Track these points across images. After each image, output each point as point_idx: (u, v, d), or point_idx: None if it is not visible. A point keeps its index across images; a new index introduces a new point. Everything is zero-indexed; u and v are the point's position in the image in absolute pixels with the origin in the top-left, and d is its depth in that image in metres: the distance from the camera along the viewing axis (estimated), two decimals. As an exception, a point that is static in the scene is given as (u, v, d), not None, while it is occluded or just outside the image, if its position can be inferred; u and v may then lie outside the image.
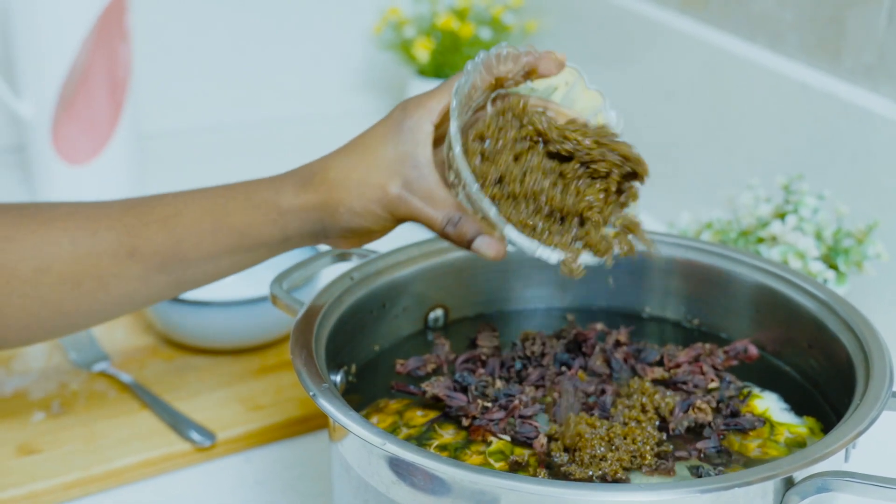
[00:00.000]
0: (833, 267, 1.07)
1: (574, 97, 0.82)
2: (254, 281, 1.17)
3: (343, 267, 0.91)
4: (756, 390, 0.86)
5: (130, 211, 0.84)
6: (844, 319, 0.83)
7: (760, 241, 1.10)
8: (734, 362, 0.89)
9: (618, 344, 0.90)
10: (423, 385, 0.83)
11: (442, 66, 1.65)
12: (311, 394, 0.72)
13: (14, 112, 1.44)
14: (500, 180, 0.77)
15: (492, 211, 0.74)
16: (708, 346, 0.89)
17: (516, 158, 0.78)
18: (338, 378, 0.85)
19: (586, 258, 0.77)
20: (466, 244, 0.78)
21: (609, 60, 1.53)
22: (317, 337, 0.80)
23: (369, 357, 0.89)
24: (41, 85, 1.41)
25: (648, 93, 1.46)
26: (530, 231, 0.77)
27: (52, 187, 1.46)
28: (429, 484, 0.69)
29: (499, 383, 0.84)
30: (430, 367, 0.88)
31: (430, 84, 1.65)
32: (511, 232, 0.75)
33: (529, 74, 0.80)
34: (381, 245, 0.94)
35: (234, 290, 1.17)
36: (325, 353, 0.80)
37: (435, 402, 0.83)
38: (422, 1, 1.69)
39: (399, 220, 0.80)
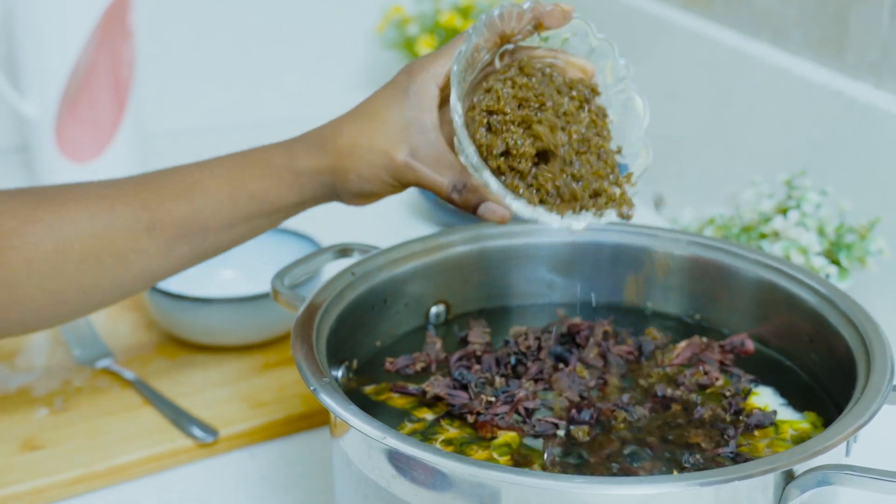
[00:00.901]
0: (835, 262, 1.07)
1: (582, 50, 0.81)
2: (256, 278, 1.17)
3: (344, 263, 0.91)
4: (751, 386, 0.86)
5: (146, 185, 0.84)
6: (846, 314, 0.83)
7: (763, 236, 1.10)
8: (730, 356, 0.89)
9: (606, 336, 0.90)
10: (424, 385, 0.83)
11: (445, 64, 1.65)
12: (311, 388, 0.73)
13: (18, 111, 1.44)
14: (506, 153, 0.77)
15: (493, 184, 0.74)
16: (705, 340, 0.89)
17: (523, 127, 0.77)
18: (339, 373, 0.85)
19: (586, 220, 0.77)
20: (472, 210, 0.79)
21: (612, 58, 1.53)
22: (318, 332, 0.80)
23: (370, 353, 0.89)
24: (45, 84, 1.41)
25: (652, 89, 1.45)
26: (534, 200, 0.76)
27: (57, 186, 1.46)
28: (429, 478, 0.69)
29: (498, 380, 0.84)
30: (419, 366, 0.88)
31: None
32: (513, 203, 0.75)
33: (536, 28, 0.79)
34: (383, 241, 0.94)
35: (236, 287, 1.18)
36: (326, 348, 0.80)
37: (437, 401, 0.83)
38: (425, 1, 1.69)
39: (406, 185, 0.81)
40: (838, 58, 1.18)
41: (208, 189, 0.83)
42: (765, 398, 0.84)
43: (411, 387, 0.84)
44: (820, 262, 1.05)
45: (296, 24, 1.76)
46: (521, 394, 0.81)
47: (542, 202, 0.77)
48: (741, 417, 0.81)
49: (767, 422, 0.80)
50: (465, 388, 0.83)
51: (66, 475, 0.93)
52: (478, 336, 0.91)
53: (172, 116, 1.70)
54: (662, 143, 1.44)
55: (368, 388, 0.85)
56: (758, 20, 1.29)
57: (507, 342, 0.89)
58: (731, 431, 0.78)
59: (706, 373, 0.85)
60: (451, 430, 0.79)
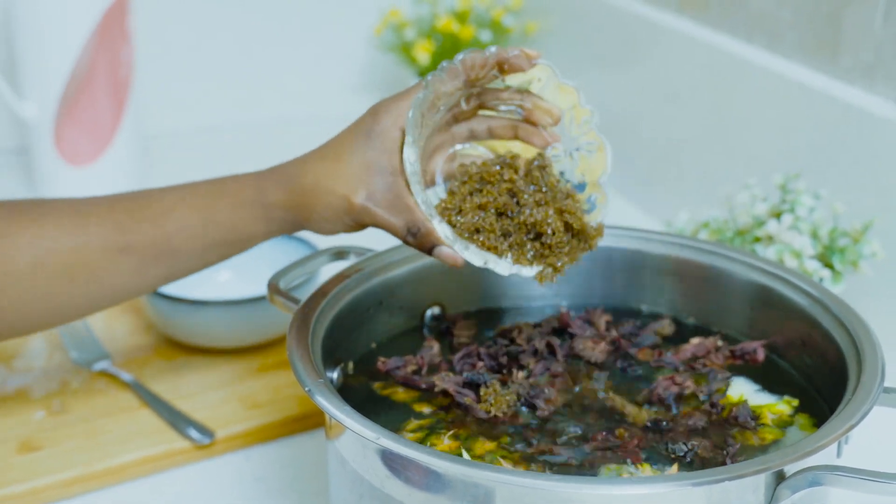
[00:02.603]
0: (829, 266, 1.08)
1: (548, 94, 0.84)
2: (253, 280, 1.18)
3: (340, 265, 0.92)
4: (725, 385, 0.86)
5: (120, 206, 0.87)
6: (837, 317, 0.84)
7: (757, 240, 1.10)
8: (739, 362, 0.89)
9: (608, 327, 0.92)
10: (434, 379, 0.84)
11: (442, 67, 1.66)
12: (306, 389, 0.73)
13: (17, 113, 1.44)
14: (460, 211, 0.82)
15: (443, 231, 0.80)
16: (719, 343, 0.90)
17: (476, 195, 0.83)
18: (334, 375, 0.85)
19: (534, 270, 0.82)
20: (427, 252, 0.81)
21: (608, 61, 1.54)
22: (313, 334, 0.81)
23: (366, 354, 0.90)
24: (44, 86, 1.42)
25: (647, 93, 1.46)
26: (485, 248, 0.81)
27: (55, 189, 1.46)
28: (423, 478, 0.69)
29: (520, 374, 0.84)
30: (409, 368, 0.88)
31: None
32: (463, 251, 0.80)
33: (501, 72, 0.82)
34: (378, 243, 0.94)
35: (233, 289, 1.18)
36: (321, 350, 0.80)
37: (443, 396, 0.84)
38: (422, 3, 1.70)
39: (365, 226, 0.84)
40: (832, 61, 1.19)
41: (181, 216, 0.86)
42: (739, 387, 0.85)
43: (416, 378, 0.85)
44: (813, 266, 1.05)
45: (294, 26, 1.77)
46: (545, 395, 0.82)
47: (491, 249, 0.81)
48: (728, 418, 0.82)
49: (747, 416, 0.82)
50: (475, 386, 0.83)
51: (63, 476, 0.94)
52: (463, 328, 0.92)
53: (171, 118, 1.70)
54: (657, 147, 1.45)
55: (376, 384, 0.86)
56: (752, 24, 1.29)
57: (496, 339, 0.90)
58: (731, 443, 0.79)
59: (678, 383, 0.85)
60: (446, 441, 0.80)
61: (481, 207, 0.81)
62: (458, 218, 0.81)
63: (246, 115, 1.76)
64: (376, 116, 0.82)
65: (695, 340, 0.91)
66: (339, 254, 0.94)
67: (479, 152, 0.86)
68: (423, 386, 0.85)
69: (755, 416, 0.82)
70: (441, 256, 0.81)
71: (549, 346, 0.89)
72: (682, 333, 0.93)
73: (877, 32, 1.12)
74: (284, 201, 0.84)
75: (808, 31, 1.21)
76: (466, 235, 0.81)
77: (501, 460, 0.76)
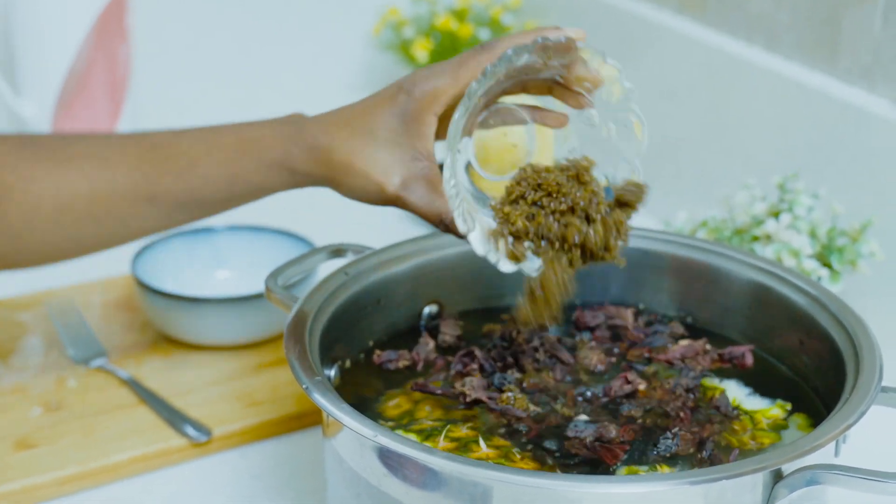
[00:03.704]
0: (827, 265, 1.08)
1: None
2: (251, 278, 1.18)
3: (338, 263, 0.91)
4: (715, 381, 0.86)
5: (148, 156, 0.87)
6: (835, 316, 0.83)
7: (755, 239, 1.10)
8: (727, 365, 0.89)
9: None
10: (465, 389, 0.83)
11: (441, 66, 1.66)
12: (303, 386, 0.73)
13: (15, 111, 1.44)
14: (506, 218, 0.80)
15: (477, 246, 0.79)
16: (708, 346, 0.89)
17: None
18: (331, 372, 0.85)
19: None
20: (460, 237, 0.80)
21: (607, 61, 1.53)
22: (311, 332, 0.81)
23: (363, 352, 0.90)
24: (42, 84, 1.41)
25: (646, 93, 1.46)
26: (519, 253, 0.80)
27: (52, 186, 1.46)
28: (420, 476, 0.69)
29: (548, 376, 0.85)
30: (401, 363, 0.88)
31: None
32: (491, 255, 0.79)
33: (546, 56, 0.79)
34: (377, 242, 0.94)
35: (230, 286, 1.18)
36: (318, 347, 0.80)
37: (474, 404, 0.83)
38: (421, 1, 1.70)
39: (393, 206, 0.83)
40: (831, 62, 1.19)
41: (206, 171, 0.86)
42: (731, 391, 0.85)
43: (431, 386, 0.85)
44: (812, 265, 1.05)
45: (292, 25, 1.76)
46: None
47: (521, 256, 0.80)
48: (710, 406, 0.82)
49: (727, 405, 0.82)
50: (500, 389, 0.83)
51: (60, 473, 0.94)
52: (449, 328, 0.92)
53: (169, 117, 1.70)
54: (656, 147, 1.44)
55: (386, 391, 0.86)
56: (751, 24, 1.29)
57: (494, 339, 0.90)
58: (708, 445, 0.79)
59: (629, 381, 0.85)
60: (464, 430, 0.80)
61: (531, 220, 0.79)
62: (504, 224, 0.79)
63: (244, 114, 1.75)
64: (411, 96, 0.80)
65: (683, 342, 0.90)
66: (337, 251, 0.94)
67: (508, 106, 0.83)
68: (439, 392, 0.84)
69: (734, 406, 0.82)
70: (473, 245, 0.79)
71: (552, 354, 0.88)
72: (694, 335, 0.93)
73: (875, 33, 1.13)
74: (312, 172, 0.84)
75: (807, 31, 1.21)
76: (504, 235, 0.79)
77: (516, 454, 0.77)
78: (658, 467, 0.75)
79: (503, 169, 0.83)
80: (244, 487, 0.95)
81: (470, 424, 0.80)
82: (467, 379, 0.84)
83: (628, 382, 0.85)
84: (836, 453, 0.75)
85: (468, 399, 0.82)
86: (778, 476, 0.68)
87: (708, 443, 0.77)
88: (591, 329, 0.93)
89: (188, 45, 1.71)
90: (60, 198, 0.85)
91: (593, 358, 0.88)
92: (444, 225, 0.80)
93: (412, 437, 0.79)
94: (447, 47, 1.65)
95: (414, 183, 0.80)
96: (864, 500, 0.75)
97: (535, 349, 0.88)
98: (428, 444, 0.78)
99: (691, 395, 0.83)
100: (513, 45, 0.78)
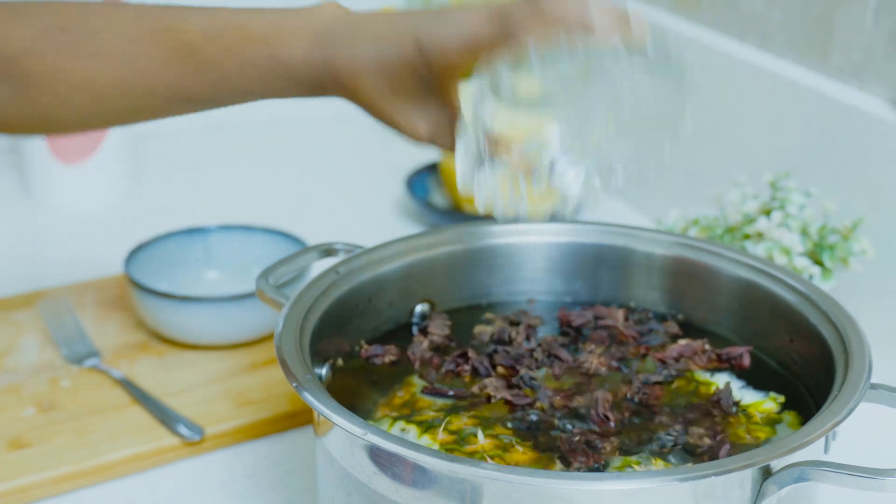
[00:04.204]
0: (818, 263, 1.08)
1: None
2: (243, 277, 1.18)
3: (329, 262, 0.92)
4: (706, 376, 0.87)
5: (178, 61, 0.86)
6: (825, 313, 0.84)
7: (747, 237, 1.10)
8: (725, 366, 0.89)
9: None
10: (488, 391, 0.82)
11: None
12: (294, 385, 0.73)
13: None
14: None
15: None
16: (707, 347, 0.89)
17: None
18: (323, 371, 0.85)
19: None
20: None
21: (600, 60, 1.54)
22: (302, 330, 0.81)
23: (355, 350, 0.90)
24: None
25: (639, 92, 1.46)
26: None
27: (48, 187, 1.46)
28: (410, 474, 0.69)
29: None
30: (387, 359, 0.88)
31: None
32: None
33: None
34: (369, 241, 0.95)
35: (223, 286, 1.18)
36: (310, 346, 0.80)
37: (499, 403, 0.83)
38: (415, 0, 1.70)
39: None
40: (823, 60, 1.19)
41: (242, 85, 0.86)
42: (723, 384, 0.85)
43: (450, 391, 0.85)
44: (803, 263, 1.06)
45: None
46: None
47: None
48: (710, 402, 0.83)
49: (730, 400, 0.82)
50: (519, 386, 0.83)
51: (53, 473, 0.94)
52: (438, 328, 0.92)
53: (163, 117, 1.70)
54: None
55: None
56: (744, 23, 1.29)
57: (478, 340, 0.91)
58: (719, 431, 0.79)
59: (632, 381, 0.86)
60: (464, 421, 0.80)
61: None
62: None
63: (239, 115, 1.75)
64: (430, 67, 0.79)
65: (682, 342, 0.91)
66: (328, 250, 0.94)
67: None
68: (451, 394, 0.84)
69: (736, 401, 0.83)
70: None
71: (549, 353, 0.88)
72: (688, 333, 0.93)
73: (867, 32, 1.13)
74: (340, 96, 0.84)
75: (799, 30, 1.21)
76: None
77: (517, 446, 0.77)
78: (653, 461, 0.76)
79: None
80: (237, 486, 0.95)
81: (471, 414, 0.80)
82: (488, 380, 0.84)
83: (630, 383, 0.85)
84: (826, 450, 0.75)
85: (493, 401, 0.82)
86: (767, 472, 0.68)
87: (720, 437, 0.78)
88: (577, 328, 0.92)
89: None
90: (94, 90, 0.85)
91: (593, 361, 0.88)
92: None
93: (413, 428, 0.79)
94: (441, 47, 1.65)
95: (441, 131, 0.81)
96: (853, 496, 0.76)
97: (532, 350, 0.88)
98: (427, 436, 0.78)
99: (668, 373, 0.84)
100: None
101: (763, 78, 1.24)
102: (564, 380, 0.85)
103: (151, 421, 1.00)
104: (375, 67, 0.81)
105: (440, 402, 0.83)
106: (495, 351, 0.88)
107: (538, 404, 0.81)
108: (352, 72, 0.82)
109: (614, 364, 0.88)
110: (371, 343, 0.90)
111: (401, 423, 0.80)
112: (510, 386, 0.84)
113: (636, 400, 0.82)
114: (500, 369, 0.87)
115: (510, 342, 0.90)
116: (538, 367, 0.86)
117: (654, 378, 0.85)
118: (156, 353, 1.11)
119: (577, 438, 0.77)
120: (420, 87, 0.81)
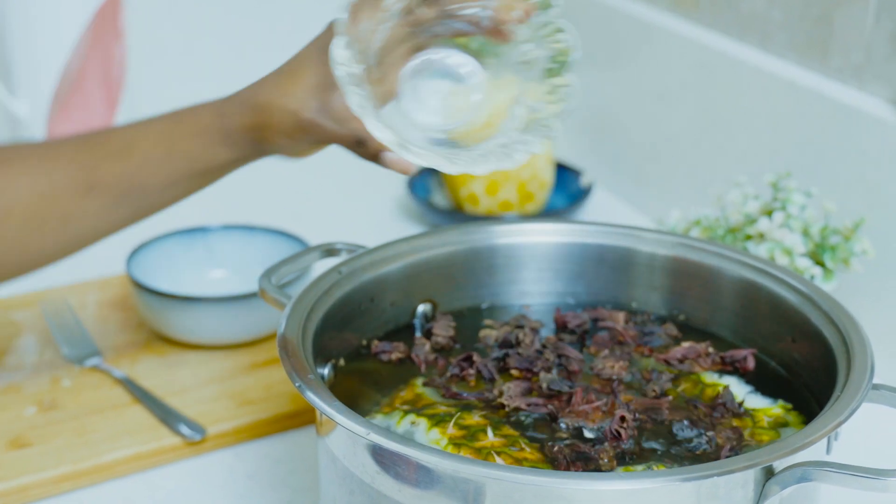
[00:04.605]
0: (820, 263, 1.08)
1: None
2: (245, 277, 1.18)
3: (331, 262, 0.92)
4: (714, 377, 0.86)
5: (84, 147, 0.86)
6: (827, 314, 0.84)
7: (748, 237, 1.10)
8: (729, 368, 0.89)
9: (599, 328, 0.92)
10: (503, 400, 0.82)
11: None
12: (296, 385, 0.73)
13: (9, 110, 1.44)
14: None
15: (387, 137, 0.76)
16: (710, 349, 0.89)
17: None
18: (325, 371, 0.85)
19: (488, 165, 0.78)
20: (375, 159, 0.85)
21: (600, 60, 1.54)
22: (304, 330, 0.81)
23: (357, 350, 0.90)
24: (36, 83, 1.41)
25: (639, 91, 1.47)
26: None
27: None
28: (413, 474, 0.69)
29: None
30: (395, 356, 0.88)
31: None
32: (404, 153, 0.76)
33: None
34: (371, 241, 0.95)
35: (225, 286, 1.18)
36: (312, 346, 0.80)
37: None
38: None
39: (322, 141, 0.85)
40: (823, 61, 1.19)
41: (144, 149, 0.86)
42: (731, 389, 0.85)
43: (464, 394, 0.84)
44: (804, 264, 1.06)
45: (288, 25, 1.76)
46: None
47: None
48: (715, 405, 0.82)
49: (732, 400, 0.82)
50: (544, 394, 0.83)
51: (53, 473, 0.94)
52: (442, 329, 0.91)
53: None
54: (649, 146, 1.45)
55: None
56: (744, 23, 1.29)
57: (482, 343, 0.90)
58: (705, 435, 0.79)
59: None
60: (476, 418, 0.80)
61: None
62: None
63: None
64: (331, 33, 0.81)
65: (686, 344, 0.90)
66: (330, 250, 0.94)
67: (440, 55, 0.81)
68: (474, 397, 0.84)
69: (740, 402, 0.83)
70: (387, 163, 0.84)
71: (559, 353, 0.88)
72: (689, 335, 0.93)
73: (867, 32, 1.13)
74: (243, 123, 0.84)
75: (799, 30, 1.22)
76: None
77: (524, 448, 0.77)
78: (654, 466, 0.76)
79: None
80: (238, 486, 0.95)
81: (483, 413, 0.80)
82: (505, 386, 0.83)
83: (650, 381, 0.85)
84: (828, 450, 0.75)
85: (507, 409, 0.81)
86: (769, 473, 0.68)
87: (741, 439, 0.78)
88: (573, 331, 0.92)
89: (183, 43, 1.71)
90: (2, 201, 0.84)
91: (614, 366, 0.87)
92: (360, 144, 0.83)
93: (423, 421, 0.79)
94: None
95: (330, 109, 0.83)
96: (855, 497, 0.76)
97: (540, 351, 0.88)
98: (437, 429, 0.78)
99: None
100: None
101: (763, 78, 1.24)
102: (581, 382, 0.85)
103: (152, 421, 1.00)
104: (279, 67, 0.87)
105: (445, 401, 0.83)
106: (506, 354, 0.88)
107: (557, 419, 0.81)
108: (254, 83, 0.87)
109: (627, 365, 0.87)
110: (374, 343, 0.90)
111: (412, 416, 0.80)
112: (530, 392, 0.83)
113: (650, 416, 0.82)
114: (514, 372, 0.86)
115: (518, 343, 0.89)
116: (549, 369, 0.86)
117: (666, 385, 0.85)
118: (157, 352, 1.11)
119: (572, 448, 0.77)
120: (314, 70, 0.84)
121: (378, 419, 0.82)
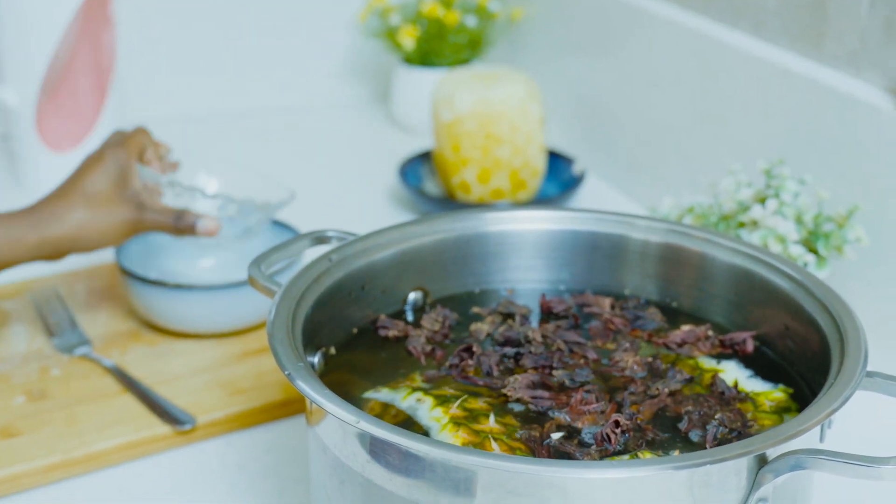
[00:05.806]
0: (813, 251, 1.08)
1: None
2: (235, 265, 1.17)
3: (322, 249, 0.91)
4: (712, 363, 0.86)
5: None
6: (821, 301, 0.83)
7: (741, 225, 1.10)
8: (728, 351, 0.88)
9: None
10: (506, 391, 0.81)
11: (427, 53, 1.65)
12: (286, 373, 0.73)
13: (-2, 99, 1.43)
14: None
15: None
16: (710, 332, 0.89)
17: None
18: (315, 359, 0.85)
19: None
20: (192, 230, 1.03)
21: (593, 47, 1.53)
22: (294, 318, 0.80)
23: (347, 338, 0.89)
24: (25, 72, 1.41)
25: (632, 78, 1.46)
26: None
27: (36, 175, 1.46)
28: (403, 461, 0.69)
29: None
30: (391, 333, 0.88)
31: (416, 71, 1.65)
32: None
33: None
34: (362, 229, 0.94)
35: (215, 274, 1.18)
36: (302, 334, 0.80)
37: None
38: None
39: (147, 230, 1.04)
40: (817, 47, 1.18)
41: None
42: (731, 373, 0.85)
43: (480, 381, 0.84)
44: (798, 251, 1.05)
45: (279, 14, 1.76)
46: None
47: None
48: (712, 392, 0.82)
49: (728, 386, 0.82)
50: (547, 387, 0.82)
51: (43, 462, 0.93)
52: (429, 322, 0.91)
53: (154, 106, 1.69)
54: (642, 133, 1.44)
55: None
56: (737, 10, 1.29)
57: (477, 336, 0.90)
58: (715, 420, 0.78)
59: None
60: (480, 403, 0.80)
61: None
62: None
63: (230, 104, 1.75)
64: (116, 156, 1.03)
65: (685, 327, 0.90)
66: (321, 238, 0.94)
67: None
68: (481, 383, 0.83)
69: (734, 386, 0.82)
70: (200, 229, 1.03)
71: (567, 342, 0.88)
72: (671, 320, 0.93)
73: (862, 19, 1.12)
74: (54, 249, 1.02)
75: (793, 17, 1.21)
76: None
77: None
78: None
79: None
80: (229, 475, 0.94)
81: (489, 399, 0.80)
82: (511, 378, 0.82)
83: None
84: (822, 438, 0.75)
85: (511, 399, 0.81)
86: (762, 461, 0.68)
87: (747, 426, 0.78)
88: (574, 322, 0.92)
89: (173, 33, 1.70)
90: None
91: (629, 361, 0.86)
92: (180, 220, 1.03)
93: (429, 399, 0.79)
94: (433, 34, 1.64)
95: (146, 206, 1.02)
96: (848, 484, 0.75)
97: (549, 346, 0.87)
98: (441, 409, 0.78)
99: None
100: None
101: (756, 65, 1.24)
102: (596, 381, 0.84)
103: (142, 410, 1.00)
104: (63, 194, 1.03)
105: (453, 384, 0.82)
106: (519, 353, 0.87)
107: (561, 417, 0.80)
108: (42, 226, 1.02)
109: (648, 360, 0.86)
110: (363, 331, 0.90)
111: (418, 394, 0.79)
112: (535, 385, 0.83)
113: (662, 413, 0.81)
114: (530, 372, 0.85)
115: (529, 342, 0.88)
116: (565, 367, 0.85)
117: (676, 384, 0.84)
118: (147, 341, 1.10)
119: (558, 448, 0.76)
120: (109, 189, 1.03)
121: (384, 392, 0.81)
